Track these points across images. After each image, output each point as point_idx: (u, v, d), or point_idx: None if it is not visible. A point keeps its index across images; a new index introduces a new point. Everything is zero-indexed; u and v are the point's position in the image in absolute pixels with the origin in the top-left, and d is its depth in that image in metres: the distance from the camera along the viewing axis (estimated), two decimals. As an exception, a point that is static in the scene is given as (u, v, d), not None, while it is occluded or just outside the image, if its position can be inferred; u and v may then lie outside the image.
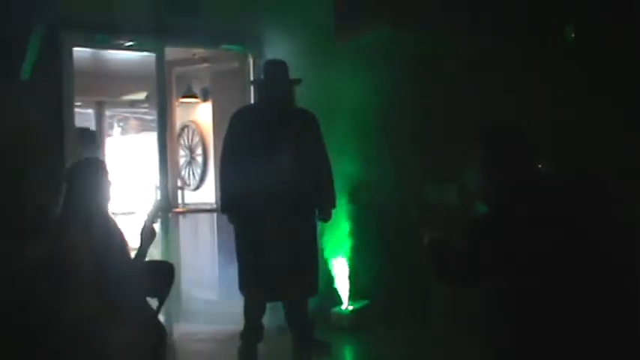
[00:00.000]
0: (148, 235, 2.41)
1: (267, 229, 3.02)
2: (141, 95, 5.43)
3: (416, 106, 3.50)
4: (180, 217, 4.59)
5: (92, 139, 4.82)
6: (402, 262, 3.57)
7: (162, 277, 2.59)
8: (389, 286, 3.74)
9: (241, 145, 3.10)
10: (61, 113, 3.40)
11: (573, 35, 3.22)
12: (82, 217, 2.26)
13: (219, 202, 3.32)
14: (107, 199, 2.37)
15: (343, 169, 3.51)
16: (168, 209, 2.30)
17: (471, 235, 1.62)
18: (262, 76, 3.24)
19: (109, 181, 2.37)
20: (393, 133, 3.65)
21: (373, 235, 3.77)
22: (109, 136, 5.74)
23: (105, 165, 2.41)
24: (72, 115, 3.52)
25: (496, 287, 1.59)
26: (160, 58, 3.87)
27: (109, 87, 5.18)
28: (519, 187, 1.61)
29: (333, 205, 3.23)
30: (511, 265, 1.54)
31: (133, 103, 5.70)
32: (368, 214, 3.77)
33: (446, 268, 1.67)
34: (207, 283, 4.37)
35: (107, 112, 5.67)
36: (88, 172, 2.34)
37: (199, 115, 5.17)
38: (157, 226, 2.48)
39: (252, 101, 4.02)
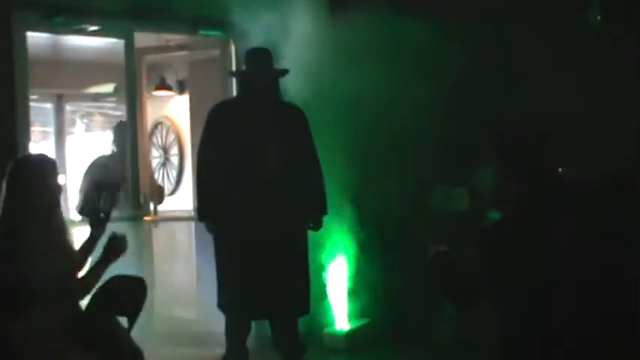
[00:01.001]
0: (113, 248, 2.38)
1: (251, 238, 3.01)
2: (107, 88, 5.40)
3: (420, 100, 3.49)
4: (153, 226, 4.57)
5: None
6: (405, 277, 3.58)
7: (133, 293, 2.58)
8: (389, 304, 3.74)
9: (221, 145, 3.09)
10: (13, 108, 3.33)
11: (599, 18, 3.19)
12: (20, 225, 2.19)
13: (196, 209, 3.31)
14: (52, 205, 2.30)
15: (334, 172, 3.48)
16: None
17: (480, 247, 1.62)
18: (244, 67, 3.24)
19: (56, 185, 2.29)
20: (392, 131, 3.64)
21: (373, 247, 3.78)
22: (70, 134, 5.71)
23: (52, 164, 2.32)
24: (27, 110, 3.48)
25: (509, 306, 1.59)
26: (129, 45, 3.85)
27: (70, 78, 5.16)
28: (537, 193, 1.62)
29: (325, 212, 3.23)
30: (526, 282, 1.55)
31: (98, 97, 5.68)
32: (368, 224, 3.77)
33: (452, 285, 1.67)
34: (183, 301, 4.35)
35: (68, 107, 5.64)
36: (30, 172, 2.26)
37: (174, 110, 5.16)
38: (127, 238, 2.45)
39: (233, 94, 4.02)
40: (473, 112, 3.34)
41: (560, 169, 1.68)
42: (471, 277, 1.63)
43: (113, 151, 4.02)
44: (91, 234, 2.45)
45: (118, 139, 3.99)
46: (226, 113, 3.19)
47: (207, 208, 3.12)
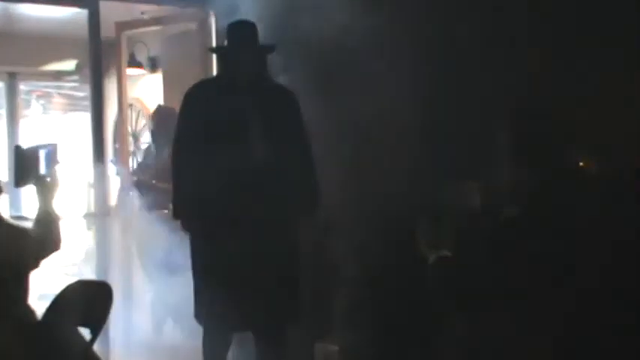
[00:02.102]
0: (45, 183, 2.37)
1: (233, 239, 3.02)
2: (68, 65, 5.38)
3: (420, 79, 3.42)
4: (116, 224, 4.57)
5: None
6: (407, 284, 3.58)
7: (96, 300, 2.59)
8: (387, 316, 3.75)
9: (198, 132, 3.09)
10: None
11: None
12: None
13: (170, 205, 3.32)
14: None
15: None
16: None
17: (493, 248, 1.64)
18: (226, 42, 3.23)
19: None
20: (385, 117, 3.58)
21: (370, 251, 3.77)
22: (24, 117, 5.70)
23: None
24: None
25: (528, 318, 1.61)
26: (94, 16, 3.84)
27: (24, 54, 5.13)
28: (556, 187, 1.64)
29: (317, 210, 3.23)
30: (545, 286, 1.57)
31: (58, 76, 5.66)
32: (364, 226, 3.76)
33: (456, 296, 1.69)
34: (152, 309, 4.36)
35: (22, 86, 5.62)
36: None
37: (145, 91, 5.15)
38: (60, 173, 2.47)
39: (213, 74, 4.02)
40: (484, 94, 3.29)
41: (580, 161, 1.70)
42: (479, 285, 1.65)
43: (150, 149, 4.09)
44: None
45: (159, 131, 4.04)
46: (205, 96, 3.18)
47: (182, 204, 3.13)
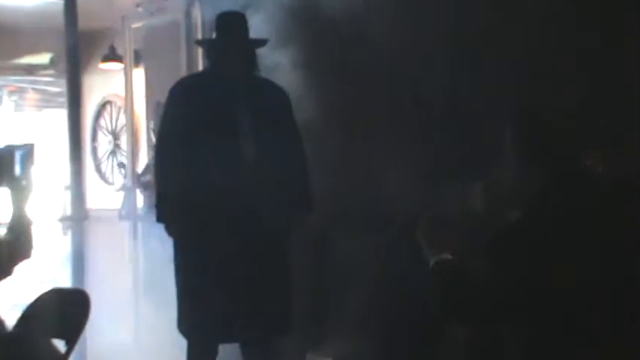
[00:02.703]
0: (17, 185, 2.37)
1: (220, 244, 3.02)
2: (43, 58, 5.37)
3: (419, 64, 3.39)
4: (96, 228, 4.57)
5: None
6: (405, 292, 3.58)
7: (72, 310, 2.58)
8: (385, 324, 3.76)
9: (184, 130, 3.09)
10: None
11: None
12: None
13: (154, 207, 3.31)
14: None
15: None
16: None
17: (495, 253, 1.64)
18: (214, 35, 3.24)
19: None
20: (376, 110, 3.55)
21: (364, 256, 3.78)
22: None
23: None
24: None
25: (532, 326, 1.62)
26: (71, 6, 3.83)
27: (-5, 46, 5.12)
28: (562, 188, 1.65)
29: (309, 211, 3.24)
30: (553, 294, 1.58)
31: (31, 70, 5.64)
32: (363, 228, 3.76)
33: (459, 302, 1.68)
34: (133, 319, 4.35)
35: (-7, 81, 5.60)
36: None
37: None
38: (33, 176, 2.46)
39: (199, 69, 4.01)
40: (487, 87, 3.28)
41: (587, 161, 1.71)
42: (482, 290, 1.65)
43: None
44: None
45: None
46: (191, 92, 3.18)
47: (166, 207, 3.12)
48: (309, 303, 3.62)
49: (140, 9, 4.30)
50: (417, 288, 1.95)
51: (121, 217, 4.61)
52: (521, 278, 1.58)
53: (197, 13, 4.08)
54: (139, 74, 4.79)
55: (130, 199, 4.52)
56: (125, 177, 4.60)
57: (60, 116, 5.04)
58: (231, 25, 3.14)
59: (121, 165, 4.80)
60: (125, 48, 4.58)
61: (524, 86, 3.01)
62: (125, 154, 4.87)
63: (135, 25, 4.46)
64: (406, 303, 3.24)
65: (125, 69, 4.56)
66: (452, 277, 1.67)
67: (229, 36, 3.12)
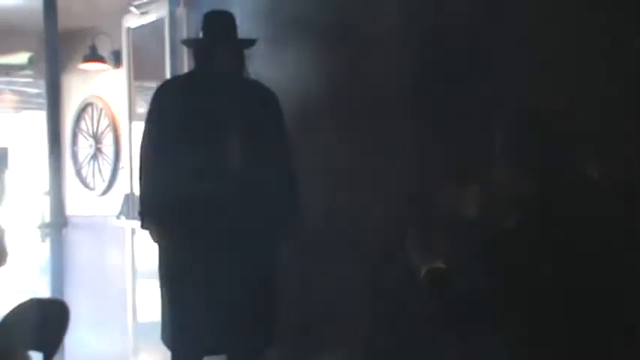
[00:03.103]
0: None
1: (206, 252, 3.02)
2: (20, 58, 5.36)
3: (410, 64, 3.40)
4: (77, 235, 4.56)
5: None
6: (397, 302, 3.60)
7: (51, 321, 2.58)
8: (376, 336, 3.77)
9: (169, 134, 3.09)
10: None
11: None
12: None
13: (137, 214, 3.31)
14: None
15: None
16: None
17: (491, 259, 1.66)
18: (200, 34, 3.25)
19: None
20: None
21: (355, 264, 3.79)
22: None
23: None
24: None
25: (531, 334, 1.64)
26: (50, 4, 3.84)
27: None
28: (557, 194, 1.67)
29: (299, 219, 3.25)
30: (550, 298, 1.60)
31: (7, 70, 5.63)
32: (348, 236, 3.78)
33: (450, 312, 1.70)
34: (113, 331, 4.35)
35: (-32, 82, 5.59)
36: None
37: (108, 88, 5.14)
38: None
39: (185, 70, 4.02)
40: (483, 90, 3.29)
41: (583, 166, 1.73)
42: (475, 298, 1.67)
43: None
44: None
45: None
46: (176, 94, 3.18)
47: (150, 213, 3.12)
48: (296, 315, 3.63)
49: (133, 8, 4.32)
50: (406, 299, 1.97)
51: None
52: (515, 282, 1.60)
53: (183, 11, 4.09)
54: (121, 75, 4.81)
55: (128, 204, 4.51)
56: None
57: (39, 118, 5.02)
58: (219, 24, 3.15)
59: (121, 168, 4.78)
60: (125, 48, 4.56)
61: (519, 88, 3.04)
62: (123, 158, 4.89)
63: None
64: (395, 315, 3.27)
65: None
66: (443, 286, 1.69)
67: (216, 36, 3.14)
